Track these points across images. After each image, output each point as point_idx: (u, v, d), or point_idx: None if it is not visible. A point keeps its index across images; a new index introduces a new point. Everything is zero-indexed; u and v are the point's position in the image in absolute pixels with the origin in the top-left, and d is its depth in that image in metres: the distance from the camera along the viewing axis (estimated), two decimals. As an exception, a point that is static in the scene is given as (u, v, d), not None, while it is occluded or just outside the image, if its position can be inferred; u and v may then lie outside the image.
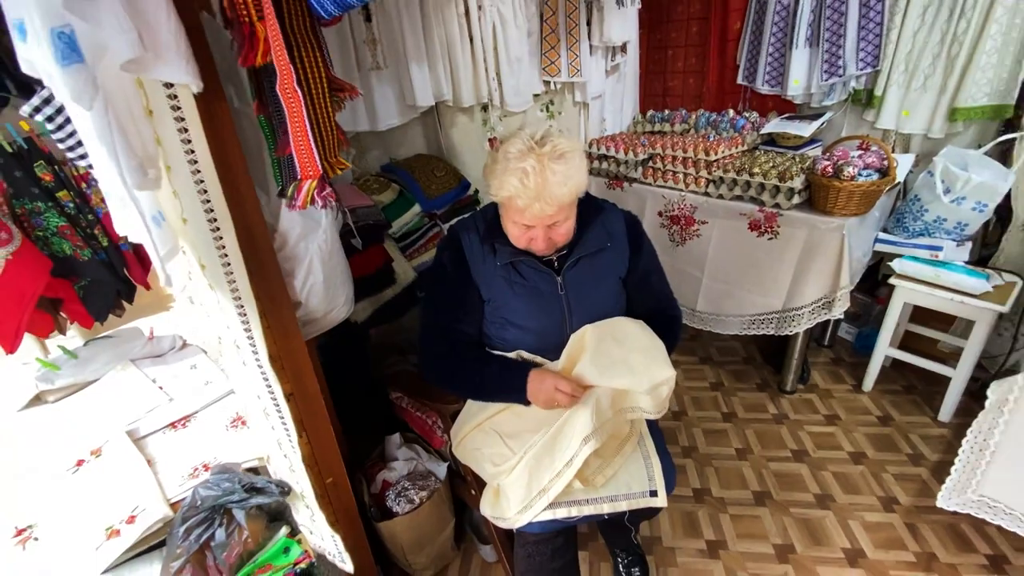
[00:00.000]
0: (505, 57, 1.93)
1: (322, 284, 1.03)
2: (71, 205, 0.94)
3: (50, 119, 0.72)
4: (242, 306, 0.85)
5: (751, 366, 2.27)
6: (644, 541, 1.54)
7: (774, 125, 2.05)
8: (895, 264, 1.81)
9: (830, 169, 1.63)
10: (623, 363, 1.05)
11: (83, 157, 0.75)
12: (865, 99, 1.98)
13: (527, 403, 1.08)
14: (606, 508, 1.05)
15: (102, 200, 0.99)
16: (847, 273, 1.66)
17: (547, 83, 2.16)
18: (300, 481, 1.07)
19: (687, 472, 1.77)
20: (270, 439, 1.04)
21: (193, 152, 0.74)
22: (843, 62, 1.92)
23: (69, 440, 1.17)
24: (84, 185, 0.97)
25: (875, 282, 2.19)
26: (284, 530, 1.10)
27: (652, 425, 1.18)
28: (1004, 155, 1.70)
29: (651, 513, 1.24)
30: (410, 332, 1.70)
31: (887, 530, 1.52)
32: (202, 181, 0.76)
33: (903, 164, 1.82)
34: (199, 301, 1.01)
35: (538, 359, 1.14)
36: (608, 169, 2.26)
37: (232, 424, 1.25)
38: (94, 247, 0.98)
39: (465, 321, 1.13)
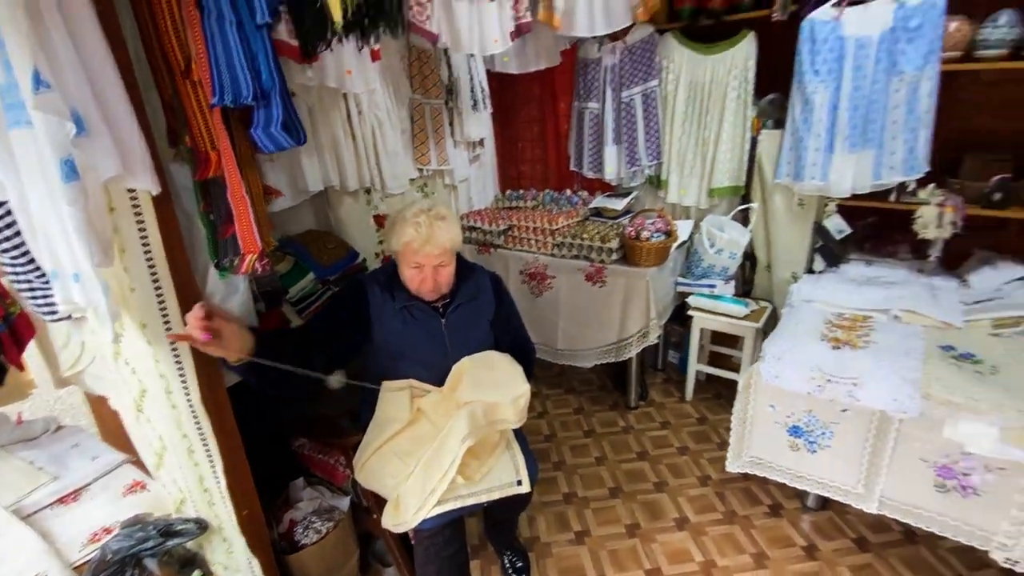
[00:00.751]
0: (384, 150, 2.32)
1: (238, 339, 1.25)
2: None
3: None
4: (179, 357, 1.06)
5: (604, 391, 2.76)
6: (525, 541, 1.84)
7: (598, 201, 2.68)
8: (690, 300, 2.44)
9: (633, 233, 2.23)
10: (492, 382, 1.41)
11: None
12: (656, 182, 2.70)
13: None
14: (484, 497, 1.36)
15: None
16: (655, 309, 2.23)
17: (421, 170, 2.59)
18: (220, 514, 1.22)
19: (558, 482, 2.13)
20: (191, 477, 1.19)
21: (146, 237, 0.98)
22: (638, 156, 2.62)
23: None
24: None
25: (685, 316, 2.85)
26: (196, 573, 1.23)
27: (518, 433, 1.53)
28: (745, 219, 2.45)
29: (522, 502, 1.56)
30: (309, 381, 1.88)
31: (703, 499, 2.00)
32: (152, 258, 0.99)
33: (684, 228, 2.51)
34: (120, 364, 1.16)
35: (427, 387, 1.46)
36: (477, 238, 2.71)
37: (129, 490, 1.32)
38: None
39: (323, 332, 1.38)
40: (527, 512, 1.92)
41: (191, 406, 1.09)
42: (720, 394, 2.66)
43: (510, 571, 1.70)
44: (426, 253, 1.37)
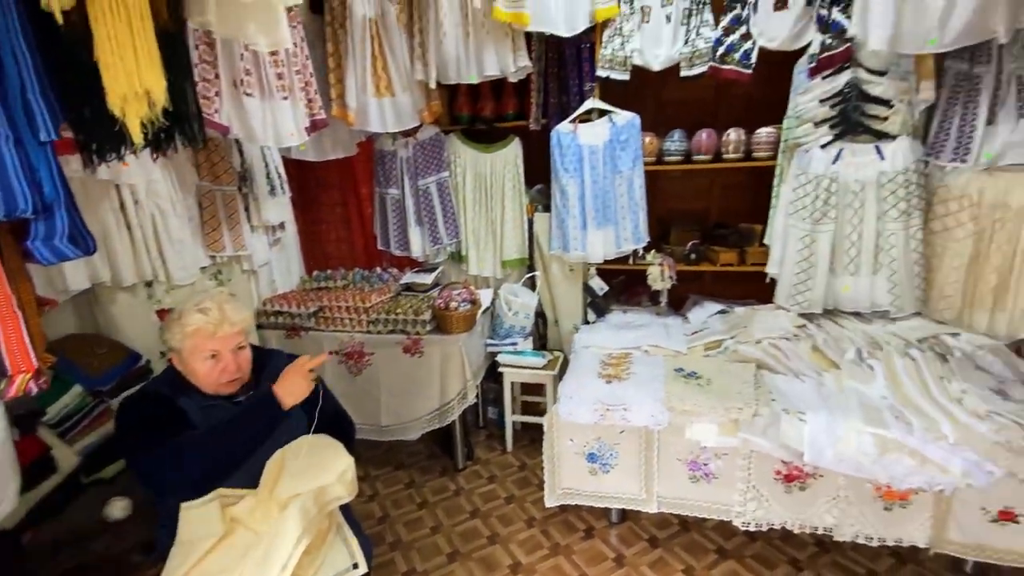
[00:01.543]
0: (168, 239, 2.14)
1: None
2: None
3: None
4: None
5: (433, 458, 2.83)
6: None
7: (408, 277, 2.86)
8: (499, 358, 2.73)
9: (443, 304, 2.45)
10: (315, 466, 1.39)
11: None
12: (458, 257, 3.02)
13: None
14: (320, 592, 1.31)
15: None
16: (470, 370, 2.45)
17: (213, 257, 2.44)
18: None
19: (395, 562, 2.10)
20: None
21: None
22: (440, 236, 2.91)
23: None
24: None
25: (497, 373, 3.15)
26: None
27: (347, 513, 1.52)
28: (532, 284, 2.89)
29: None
30: (74, 522, 1.55)
31: (531, 540, 2.19)
32: None
33: (486, 296, 2.84)
34: None
35: (239, 492, 1.36)
36: (284, 322, 2.62)
37: None
38: None
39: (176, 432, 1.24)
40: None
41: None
42: (535, 439, 2.96)
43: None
44: (222, 336, 1.31)
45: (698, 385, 2.02)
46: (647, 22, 2.43)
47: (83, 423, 1.63)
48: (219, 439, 1.24)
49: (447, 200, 2.89)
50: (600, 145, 2.55)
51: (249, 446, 1.26)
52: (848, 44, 2.11)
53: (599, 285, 2.84)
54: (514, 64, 2.49)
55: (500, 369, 2.71)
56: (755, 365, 2.12)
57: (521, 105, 2.83)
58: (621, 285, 3.07)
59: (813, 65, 2.20)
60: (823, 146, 2.20)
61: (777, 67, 2.39)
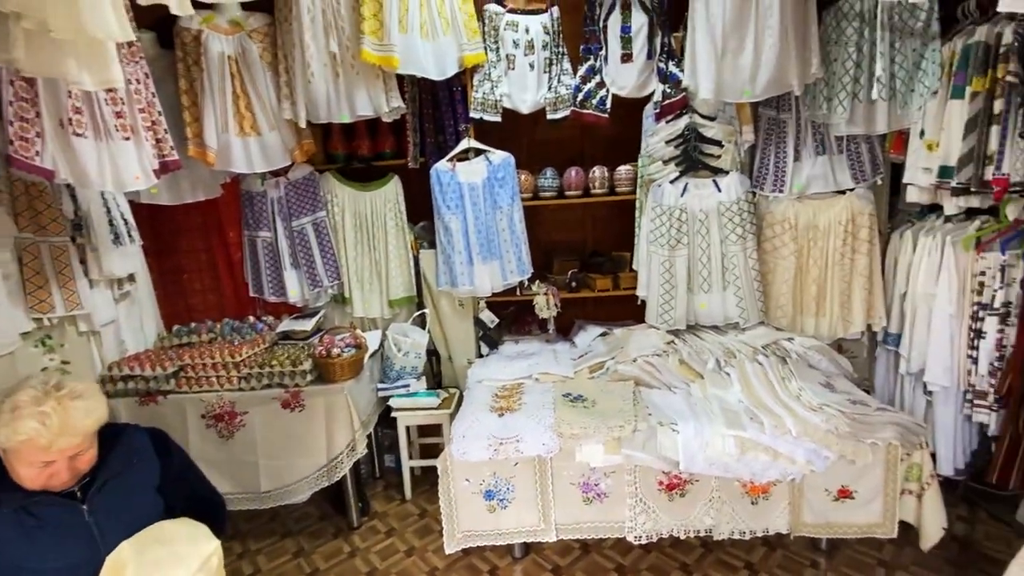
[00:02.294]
0: (-30, 304, 1.80)
1: None
2: None
3: None
4: None
5: (325, 520, 2.61)
6: None
7: (285, 325, 2.67)
8: (392, 401, 2.63)
9: (324, 352, 2.32)
10: (171, 557, 1.20)
11: None
12: (342, 299, 2.89)
13: None
14: None
15: None
16: (358, 420, 2.32)
17: (39, 320, 2.08)
18: None
19: (281, 646, 1.87)
20: None
21: None
22: (319, 278, 2.78)
23: None
24: None
25: (392, 418, 3.02)
26: None
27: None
28: (422, 322, 2.85)
29: None
30: None
31: (434, 591, 2.09)
32: None
33: (375, 338, 2.74)
34: None
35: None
36: (137, 388, 2.30)
37: None
38: None
39: None
40: None
41: None
42: (435, 482, 2.84)
43: None
44: (59, 448, 1.09)
45: (584, 408, 2.11)
46: (513, 69, 2.60)
47: None
48: None
49: (325, 240, 2.78)
50: (479, 182, 2.63)
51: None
52: (684, 93, 2.43)
53: (490, 318, 2.88)
54: (387, 104, 2.50)
55: (393, 414, 2.61)
56: (633, 382, 2.26)
57: (398, 143, 2.83)
58: (512, 315, 3.14)
59: (657, 111, 2.49)
60: (672, 181, 2.47)
61: (633, 110, 2.67)
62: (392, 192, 2.81)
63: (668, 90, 2.45)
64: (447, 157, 2.65)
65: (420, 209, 2.85)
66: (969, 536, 2.19)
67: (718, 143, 2.47)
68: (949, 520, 1.94)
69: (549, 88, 2.62)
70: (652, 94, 2.54)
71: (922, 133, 2.23)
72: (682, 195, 2.44)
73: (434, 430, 2.87)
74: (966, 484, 2.36)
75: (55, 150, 1.75)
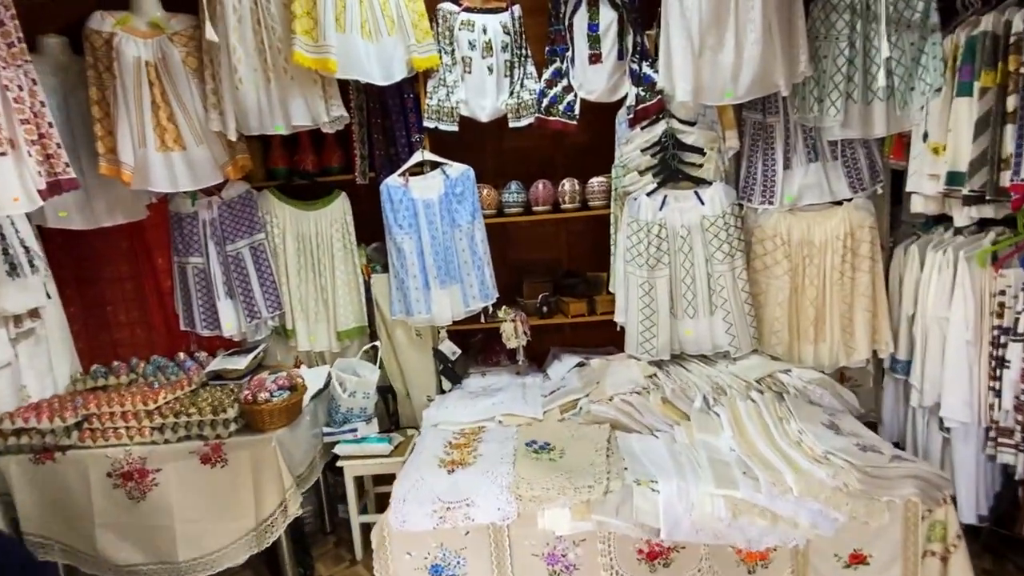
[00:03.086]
0: None
1: None
2: None
3: None
4: None
5: (260, 589, 2.26)
6: None
7: (216, 363, 2.35)
8: (337, 449, 2.30)
9: (250, 396, 2.00)
10: None
11: None
12: (284, 331, 2.57)
13: None
14: None
15: None
16: (288, 477, 1.99)
17: (-96, 368, 1.76)
18: None
19: None
20: None
21: None
22: (258, 309, 2.47)
23: None
24: None
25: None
26: None
27: None
28: (374, 357, 2.54)
29: None
30: None
31: None
32: None
33: (319, 375, 2.42)
34: None
35: None
36: (32, 443, 1.97)
37: None
38: None
39: None
40: None
41: None
42: (393, 537, 2.53)
43: None
44: None
45: (550, 460, 1.80)
46: (469, 73, 2.34)
47: None
48: None
49: (264, 266, 2.47)
50: (435, 198, 2.35)
51: None
52: (659, 96, 2.17)
53: (451, 349, 2.57)
54: (327, 114, 2.23)
55: (339, 463, 2.28)
56: (609, 426, 1.96)
57: (347, 157, 2.55)
58: (480, 344, 2.84)
59: (631, 116, 2.23)
60: (649, 193, 2.20)
61: (604, 115, 2.42)
62: (339, 211, 2.52)
63: (642, 93, 2.19)
64: (399, 171, 2.37)
65: (371, 229, 2.56)
66: (1000, 597, 1.89)
67: (699, 151, 2.20)
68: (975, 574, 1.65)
69: (511, 93, 2.36)
70: (625, 98, 2.28)
71: (925, 136, 1.99)
72: (661, 209, 2.17)
73: (392, 479, 2.54)
74: (989, 530, 2.07)
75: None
